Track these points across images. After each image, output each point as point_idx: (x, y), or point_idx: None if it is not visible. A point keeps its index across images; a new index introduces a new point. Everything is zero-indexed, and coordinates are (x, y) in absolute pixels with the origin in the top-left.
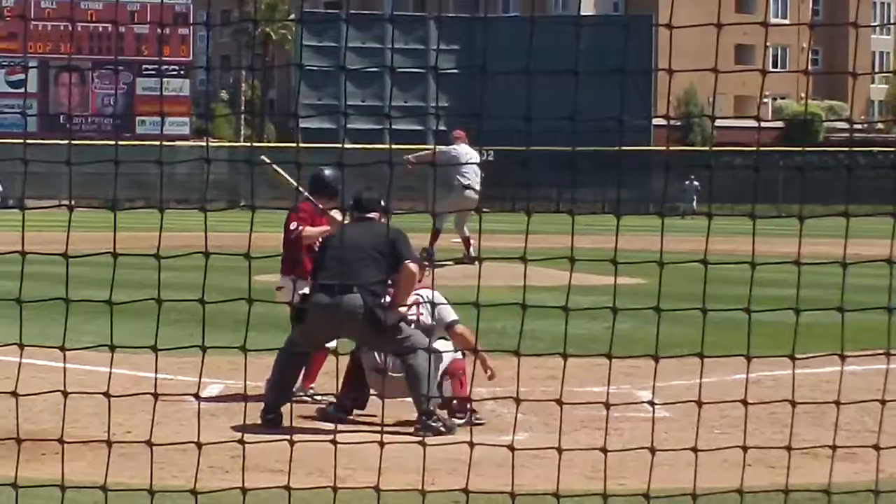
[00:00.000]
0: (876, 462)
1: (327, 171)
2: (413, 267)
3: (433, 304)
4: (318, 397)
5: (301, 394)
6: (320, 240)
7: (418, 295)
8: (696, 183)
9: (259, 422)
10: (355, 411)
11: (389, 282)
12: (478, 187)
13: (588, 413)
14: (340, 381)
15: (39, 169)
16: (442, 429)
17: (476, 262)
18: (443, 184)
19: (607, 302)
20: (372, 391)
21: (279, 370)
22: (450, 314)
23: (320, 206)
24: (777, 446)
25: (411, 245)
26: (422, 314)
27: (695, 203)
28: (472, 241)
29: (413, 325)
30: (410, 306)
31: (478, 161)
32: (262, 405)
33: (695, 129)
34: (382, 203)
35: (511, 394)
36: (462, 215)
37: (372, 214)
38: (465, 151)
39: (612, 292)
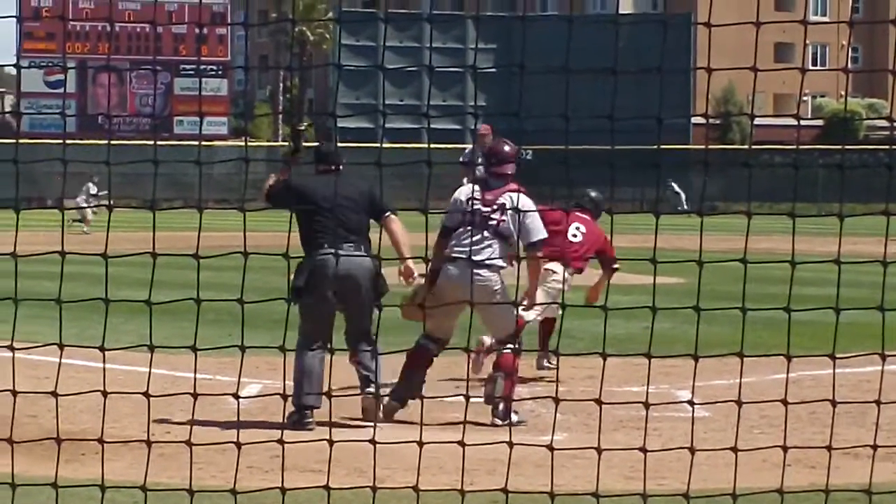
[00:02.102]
0: None
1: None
2: (395, 216)
3: (520, 212)
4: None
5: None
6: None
7: (506, 197)
8: (676, 188)
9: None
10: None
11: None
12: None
13: (627, 413)
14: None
15: (79, 169)
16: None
17: None
18: None
19: (646, 301)
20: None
21: (298, 369)
22: (534, 233)
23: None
24: (817, 446)
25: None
26: (503, 219)
27: (685, 204)
28: None
29: (497, 226)
30: (494, 211)
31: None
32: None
33: (733, 128)
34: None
35: (550, 393)
36: None
37: (333, 166)
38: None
39: (652, 291)
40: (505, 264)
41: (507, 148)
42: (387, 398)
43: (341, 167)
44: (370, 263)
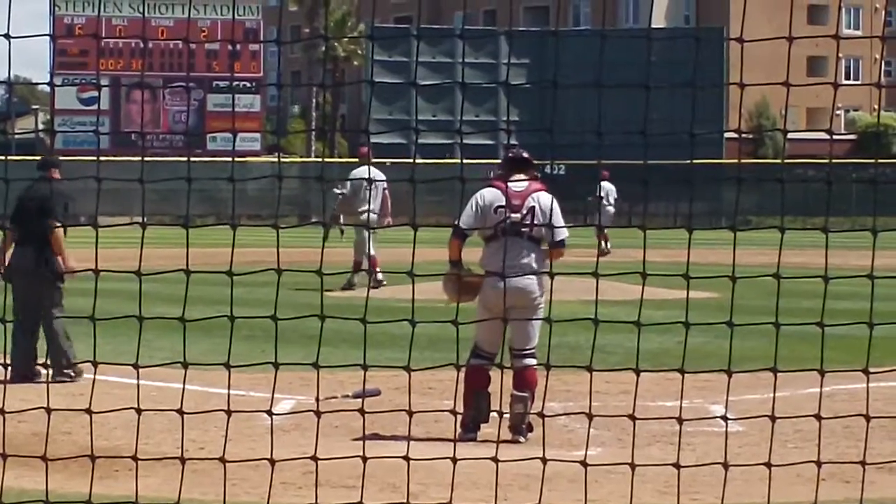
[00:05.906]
0: None
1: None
2: (58, 230)
3: (551, 212)
4: None
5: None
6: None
7: (533, 198)
8: None
9: (329, 436)
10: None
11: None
12: (373, 206)
13: (661, 428)
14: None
15: (112, 186)
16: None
17: (380, 286)
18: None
19: (679, 316)
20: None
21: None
22: (557, 233)
23: None
24: (851, 461)
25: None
26: (536, 223)
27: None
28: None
29: (531, 231)
30: (525, 216)
31: (375, 179)
32: (333, 421)
33: (766, 143)
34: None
35: (584, 409)
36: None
37: (48, 173)
38: (360, 172)
39: (685, 306)
40: (545, 269)
41: (511, 154)
42: (461, 430)
43: (55, 175)
44: (33, 255)
